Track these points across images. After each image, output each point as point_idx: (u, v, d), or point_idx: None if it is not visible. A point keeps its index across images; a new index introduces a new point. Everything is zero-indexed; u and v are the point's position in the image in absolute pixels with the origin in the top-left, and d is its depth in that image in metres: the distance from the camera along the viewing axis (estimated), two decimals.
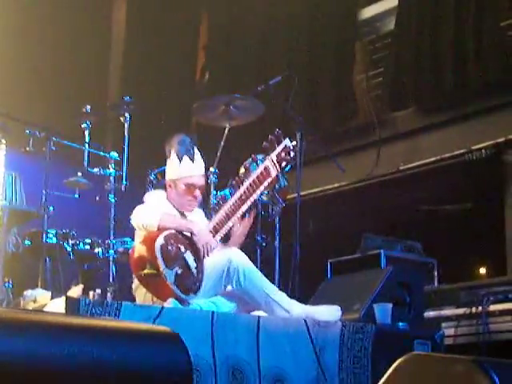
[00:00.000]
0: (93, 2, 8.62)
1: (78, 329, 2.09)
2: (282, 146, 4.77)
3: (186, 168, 4.77)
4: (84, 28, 8.35)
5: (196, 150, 4.82)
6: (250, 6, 8.35)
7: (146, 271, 4.32)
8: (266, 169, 4.73)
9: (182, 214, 4.79)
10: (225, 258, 4.50)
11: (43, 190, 5.47)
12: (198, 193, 4.79)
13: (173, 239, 4.44)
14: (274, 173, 4.73)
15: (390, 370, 2.43)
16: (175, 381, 2.20)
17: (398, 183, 7.16)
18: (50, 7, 8.15)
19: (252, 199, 4.70)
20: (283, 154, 4.75)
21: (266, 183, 4.72)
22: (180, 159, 4.76)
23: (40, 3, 8.04)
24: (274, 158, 4.74)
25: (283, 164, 4.76)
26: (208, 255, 4.53)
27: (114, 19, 9.23)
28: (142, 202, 4.79)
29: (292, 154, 4.79)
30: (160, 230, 4.44)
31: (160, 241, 4.37)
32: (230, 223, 4.68)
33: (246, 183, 4.70)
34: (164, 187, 4.88)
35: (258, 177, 4.71)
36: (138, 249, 4.43)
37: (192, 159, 4.77)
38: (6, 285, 5.29)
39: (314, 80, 7.73)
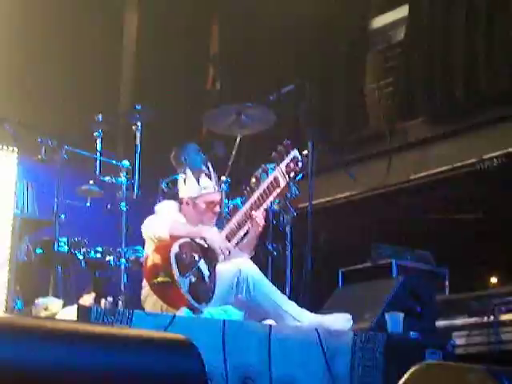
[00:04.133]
0: (105, 10, 8.64)
1: (91, 336, 2.08)
2: (290, 157, 4.80)
3: (205, 186, 4.78)
4: (96, 37, 8.38)
5: (209, 165, 4.84)
6: (260, 15, 8.35)
7: (159, 279, 4.31)
8: (275, 179, 4.77)
9: None
10: (234, 268, 4.51)
11: (55, 198, 5.48)
12: (217, 208, 4.81)
13: (187, 247, 4.45)
14: (283, 183, 4.76)
15: (403, 379, 2.42)
16: None
17: (409, 192, 7.14)
18: (62, 16, 8.19)
19: (262, 209, 4.73)
20: (292, 165, 4.78)
21: (275, 193, 4.77)
22: (197, 177, 4.77)
23: (52, 12, 8.07)
24: (283, 169, 4.77)
25: (292, 174, 4.80)
26: (225, 258, 4.54)
27: (126, 29, 9.26)
28: (154, 211, 4.80)
29: (300, 164, 4.82)
30: (172, 238, 4.45)
31: (175, 249, 4.37)
32: (241, 232, 4.70)
33: (257, 193, 4.73)
34: (177, 199, 4.86)
35: (267, 187, 4.75)
36: (152, 257, 4.42)
37: (209, 176, 4.79)
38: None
39: (326, 89, 7.72)
